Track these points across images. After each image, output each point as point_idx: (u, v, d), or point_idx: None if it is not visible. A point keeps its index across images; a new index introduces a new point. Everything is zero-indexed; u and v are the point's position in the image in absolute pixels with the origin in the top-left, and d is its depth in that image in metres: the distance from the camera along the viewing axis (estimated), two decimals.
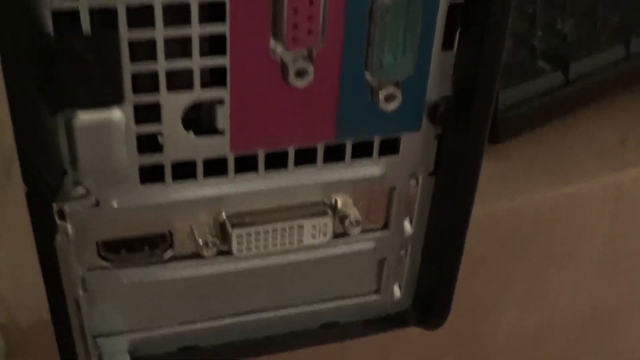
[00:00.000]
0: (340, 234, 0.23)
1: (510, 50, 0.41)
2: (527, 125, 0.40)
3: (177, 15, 0.19)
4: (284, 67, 0.20)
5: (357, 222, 0.23)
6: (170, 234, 0.22)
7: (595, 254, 0.41)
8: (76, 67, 0.18)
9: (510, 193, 0.36)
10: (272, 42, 0.19)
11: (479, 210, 0.35)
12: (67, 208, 0.20)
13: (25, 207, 0.35)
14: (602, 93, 0.42)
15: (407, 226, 0.25)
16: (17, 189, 0.37)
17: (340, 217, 0.23)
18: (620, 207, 0.39)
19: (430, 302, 0.26)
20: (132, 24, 0.18)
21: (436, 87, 0.22)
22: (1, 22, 0.17)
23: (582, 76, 0.41)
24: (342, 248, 0.24)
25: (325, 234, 0.23)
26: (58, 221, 0.19)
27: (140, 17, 0.18)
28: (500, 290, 0.39)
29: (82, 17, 0.18)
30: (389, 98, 0.21)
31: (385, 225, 0.24)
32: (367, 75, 0.21)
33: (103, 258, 0.22)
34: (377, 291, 0.26)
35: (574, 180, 0.38)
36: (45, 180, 0.19)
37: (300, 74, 0.20)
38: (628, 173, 0.39)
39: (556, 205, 0.38)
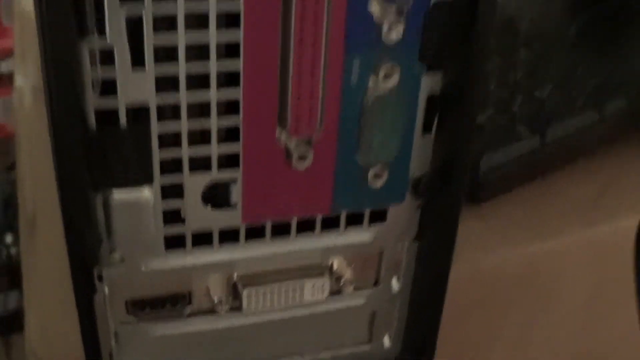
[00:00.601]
0: (336, 292, 0.27)
1: (492, 116, 0.45)
2: (507, 186, 0.43)
3: (199, 109, 0.22)
4: (288, 152, 0.23)
5: (351, 281, 0.26)
6: (189, 293, 0.25)
7: (575, 305, 0.44)
8: (114, 154, 0.22)
9: (492, 249, 0.40)
10: (278, 131, 0.23)
11: (465, 266, 0.38)
12: (104, 271, 0.23)
13: (50, 265, 0.39)
14: (577, 155, 0.46)
15: (395, 284, 0.28)
16: (42, 248, 0.41)
17: (336, 277, 0.26)
18: (595, 260, 0.43)
19: (416, 350, 0.29)
20: (161, 117, 0.22)
21: (418, 165, 0.25)
22: (54, 116, 0.21)
23: (558, 139, 0.45)
24: (337, 304, 0.27)
25: (323, 292, 0.26)
26: (97, 283, 0.23)
27: (168, 112, 0.22)
28: (487, 339, 0.42)
29: (120, 113, 0.21)
30: (377, 176, 0.25)
31: (376, 283, 0.28)
32: (359, 157, 0.24)
33: (131, 314, 0.25)
34: (369, 341, 0.29)
35: (552, 236, 0.41)
36: (87, 249, 0.22)
37: (301, 157, 0.23)
38: (602, 229, 0.42)
39: (535, 260, 0.41)
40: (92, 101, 0.21)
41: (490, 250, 0.40)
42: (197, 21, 0.21)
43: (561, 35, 0.57)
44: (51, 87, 0.20)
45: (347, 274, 0.26)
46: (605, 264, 0.42)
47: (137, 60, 0.21)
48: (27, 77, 0.66)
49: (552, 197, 0.44)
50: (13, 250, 1.22)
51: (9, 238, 1.22)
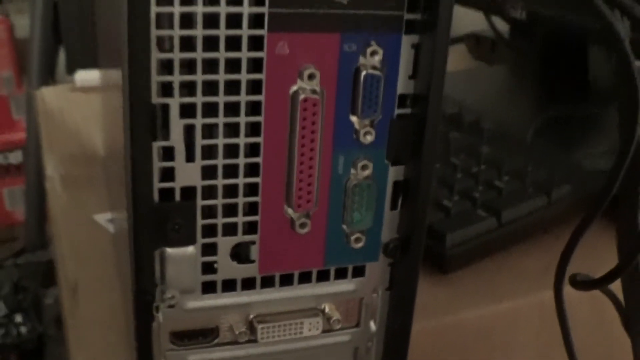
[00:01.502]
0: (327, 330, 0.35)
1: (457, 201, 0.54)
2: (469, 260, 0.51)
3: (230, 191, 0.31)
4: (292, 222, 0.32)
5: (338, 322, 0.35)
6: (217, 327, 0.34)
7: (526, 357, 0.52)
8: (170, 222, 0.31)
9: (455, 310, 0.48)
10: (285, 207, 0.32)
11: (431, 323, 0.47)
12: (160, 306, 0.32)
13: (92, 321, 0.47)
14: (529, 234, 0.54)
15: (372, 325, 0.36)
16: (84, 310, 0.49)
17: (327, 318, 0.35)
18: (544, 320, 0.51)
19: None
20: (204, 196, 0.31)
21: (388, 233, 0.34)
22: (133, 194, 0.30)
23: (512, 220, 0.53)
24: (328, 339, 0.35)
25: (317, 329, 0.35)
26: (155, 314, 0.31)
27: (209, 192, 0.31)
28: None
29: (175, 193, 0.30)
30: (357, 240, 0.34)
31: (357, 324, 0.36)
32: (343, 226, 0.33)
33: (172, 343, 0.33)
34: None
35: (506, 299, 0.50)
36: (147, 289, 0.31)
37: (302, 226, 0.32)
38: (549, 294, 0.50)
39: (493, 320, 0.49)
40: (157, 183, 0.30)
41: (454, 310, 0.48)
42: (231, 130, 0.30)
43: (518, 134, 0.67)
44: (132, 175, 0.29)
45: (336, 315, 0.35)
46: (551, 323, 0.50)
47: (189, 156, 0.30)
48: (56, 167, 0.75)
49: (507, 268, 0.52)
50: (23, 329, 1.29)
51: (18, 318, 1.29)
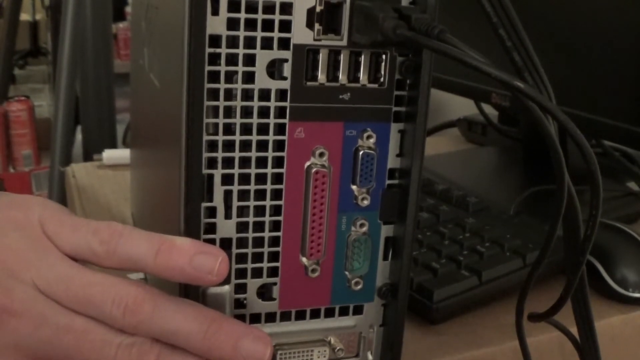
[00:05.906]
0: (332, 358, 0.43)
1: (444, 264, 0.62)
2: (454, 313, 0.60)
3: (258, 242, 0.40)
4: (305, 268, 0.41)
5: (342, 351, 0.43)
6: None
7: None
8: None
9: (442, 355, 0.56)
10: (300, 256, 0.41)
11: None
12: None
13: None
14: (505, 291, 0.63)
15: (369, 355, 0.44)
16: None
17: (332, 348, 0.43)
18: None
19: None
20: (238, 246, 0.40)
21: (381, 279, 0.43)
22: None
23: (491, 280, 0.62)
24: None
25: (324, 357, 0.43)
26: None
27: (241, 242, 0.40)
28: None
29: (216, 243, 0.39)
30: (357, 284, 0.42)
31: (357, 354, 0.44)
32: (346, 272, 0.42)
33: None
34: None
35: (485, 346, 0.57)
36: None
37: (313, 271, 0.41)
38: None
39: None
40: (202, 235, 0.39)
41: (440, 354, 0.56)
42: (259, 195, 0.39)
43: (502, 207, 0.76)
44: (186, 229, 0.38)
45: (339, 346, 0.43)
46: None
47: (227, 214, 0.39)
48: None
49: (486, 320, 0.60)
50: None
51: None
